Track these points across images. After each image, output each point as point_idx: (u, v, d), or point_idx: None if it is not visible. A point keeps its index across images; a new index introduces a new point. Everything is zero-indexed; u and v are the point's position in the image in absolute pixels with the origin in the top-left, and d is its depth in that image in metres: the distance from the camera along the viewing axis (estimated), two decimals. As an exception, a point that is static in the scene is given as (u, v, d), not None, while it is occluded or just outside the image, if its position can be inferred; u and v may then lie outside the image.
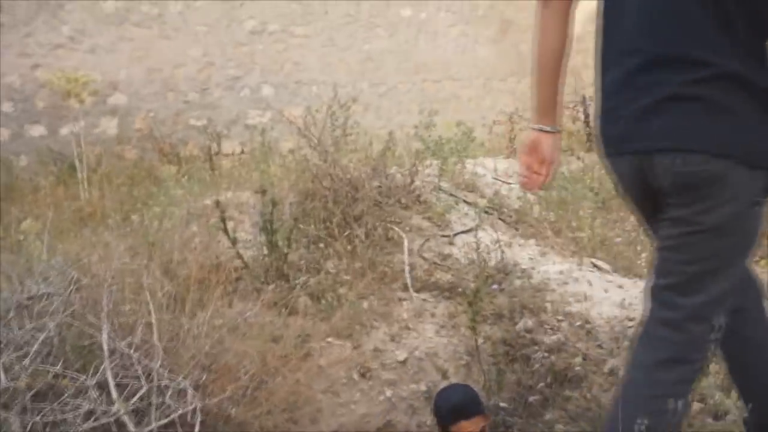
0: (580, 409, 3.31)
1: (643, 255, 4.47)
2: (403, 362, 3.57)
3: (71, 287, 2.95)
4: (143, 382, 2.40)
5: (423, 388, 3.54)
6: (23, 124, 7.38)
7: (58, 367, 2.27)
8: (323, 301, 3.74)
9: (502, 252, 4.06)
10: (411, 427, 3.41)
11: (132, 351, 2.42)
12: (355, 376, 3.47)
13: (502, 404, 3.47)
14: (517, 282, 3.96)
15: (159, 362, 2.46)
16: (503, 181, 5.81)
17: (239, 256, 3.87)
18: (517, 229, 4.79)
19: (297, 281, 3.73)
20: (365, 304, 3.75)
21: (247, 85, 8.77)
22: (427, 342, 3.68)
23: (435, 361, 3.62)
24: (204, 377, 2.55)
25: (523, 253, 4.33)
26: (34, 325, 2.31)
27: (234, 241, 3.88)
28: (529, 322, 3.71)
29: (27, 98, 7.43)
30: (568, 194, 5.43)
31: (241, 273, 3.80)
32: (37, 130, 7.43)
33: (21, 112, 7.36)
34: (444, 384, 3.47)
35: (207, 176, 6.23)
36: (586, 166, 6.34)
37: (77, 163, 6.46)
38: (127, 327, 2.66)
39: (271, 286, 3.73)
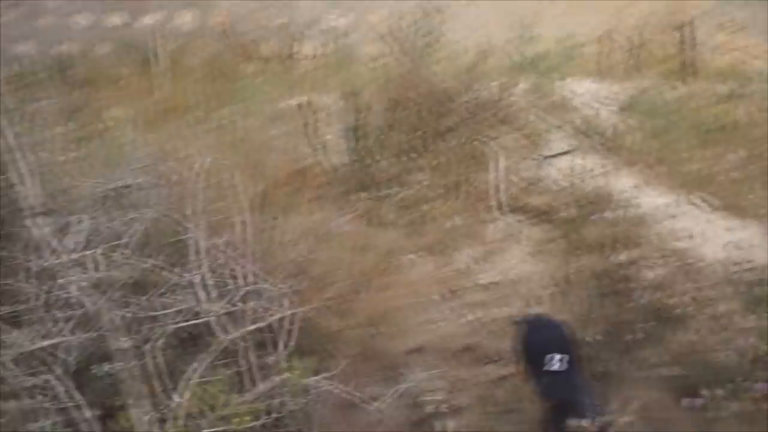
0: (682, 352, 3.12)
1: (751, 196, 4.13)
2: (490, 285, 3.42)
3: (161, 180, 2.85)
4: (239, 282, 2.28)
5: (508, 313, 3.38)
6: (102, 12, 7.25)
7: (152, 261, 2.16)
8: (409, 216, 3.58)
9: (602, 179, 3.79)
10: (492, 352, 3.28)
11: (227, 250, 2.29)
12: (441, 295, 3.33)
13: (593, 339, 3.30)
14: (617, 212, 3.70)
15: (254, 264, 2.33)
16: (597, 104, 5.46)
17: (325, 162, 3.71)
18: (613, 157, 4.49)
19: (387, 192, 3.56)
20: (453, 222, 3.58)
21: (328, -15, 8.41)
22: (516, 267, 3.50)
23: (523, 287, 3.45)
24: (299, 284, 2.43)
25: (622, 182, 4.05)
26: (131, 217, 2.20)
27: (320, 146, 3.72)
28: (629, 256, 3.48)
29: (106, -16, 7.28)
30: (667, 124, 5.07)
31: (328, 179, 3.65)
32: (117, 19, 7.30)
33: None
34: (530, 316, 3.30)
35: (286, 76, 6.04)
36: (683, 97, 5.91)
37: (154, 56, 6.33)
38: (218, 226, 2.54)
39: (358, 195, 3.57)
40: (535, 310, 3.40)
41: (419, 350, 3.17)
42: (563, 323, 2.82)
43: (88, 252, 2.02)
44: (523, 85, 4.93)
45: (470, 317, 3.32)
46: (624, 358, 3.24)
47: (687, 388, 3.02)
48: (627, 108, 5.49)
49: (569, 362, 2.13)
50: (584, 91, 5.61)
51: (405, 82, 4.29)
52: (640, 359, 3.21)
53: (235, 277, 2.35)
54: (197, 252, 2.32)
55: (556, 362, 2.16)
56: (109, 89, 5.81)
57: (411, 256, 3.38)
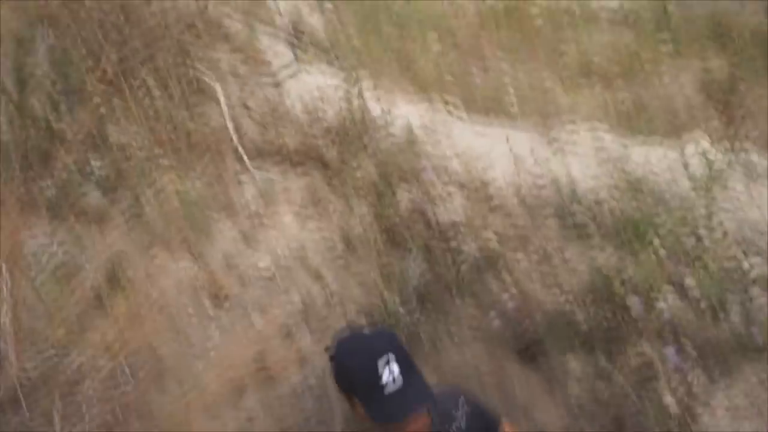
0: (501, 300, 2.66)
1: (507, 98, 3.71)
2: (263, 278, 2.53)
3: None
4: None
5: (298, 305, 2.57)
6: None
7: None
8: (127, 194, 2.45)
9: (361, 100, 3.05)
10: (290, 357, 2.47)
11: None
12: (207, 303, 2.36)
13: (397, 307, 2.68)
14: (382, 140, 3.02)
15: None
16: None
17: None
18: (340, 66, 3.74)
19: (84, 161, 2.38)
20: (191, 193, 2.55)
21: None
22: (291, 238, 2.66)
23: (306, 262, 2.64)
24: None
25: (369, 98, 3.33)
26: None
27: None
28: (413, 195, 2.86)
29: None
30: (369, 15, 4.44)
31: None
32: None
33: None
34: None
35: None
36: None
37: None
38: None
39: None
40: (324, 288, 2.65)
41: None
42: (383, 330, 2.17)
43: None
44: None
45: (249, 325, 2.43)
46: (434, 319, 2.71)
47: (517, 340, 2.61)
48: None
49: (406, 372, 1.65)
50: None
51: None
52: (453, 316, 2.70)
53: None
54: None
55: (388, 380, 1.62)
56: None
57: (151, 257, 2.31)
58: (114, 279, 2.14)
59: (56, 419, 1.44)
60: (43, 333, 1.61)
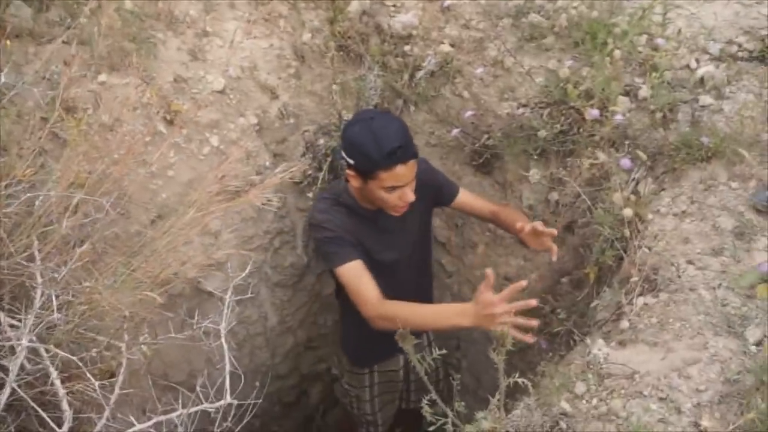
0: (457, 111, 2.66)
1: None
2: (221, 91, 2.45)
3: None
4: None
5: (253, 120, 2.53)
6: None
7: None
8: (59, 15, 2.26)
9: None
10: (247, 174, 2.47)
11: None
12: (162, 127, 2.29)
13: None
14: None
15: None
16: None
17: None
18: None
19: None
20: (132, 7, 2.37)
21: None
22: (240, 53, 2.53)
23: (258, 77, 2.55)
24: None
25: None
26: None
27: None
28: (366, 4, 2.73)
29: None
30: None
31: None
32: None
33: None
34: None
35: None
36: None
37: None
38: None
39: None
40: (279, 102, 2.60)
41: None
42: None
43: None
44: None
45: (210, 145, 2.39)
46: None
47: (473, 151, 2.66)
48: None
49: None
50: None
51: None
52: (423, 129, 2.73)
53: None
54: None
55: None
56: None
57: (95, 80, 2.19)
58: (64, 106, 2.04)
59: (37, 258, 1.43)
60: (10, 171, 1.55)
